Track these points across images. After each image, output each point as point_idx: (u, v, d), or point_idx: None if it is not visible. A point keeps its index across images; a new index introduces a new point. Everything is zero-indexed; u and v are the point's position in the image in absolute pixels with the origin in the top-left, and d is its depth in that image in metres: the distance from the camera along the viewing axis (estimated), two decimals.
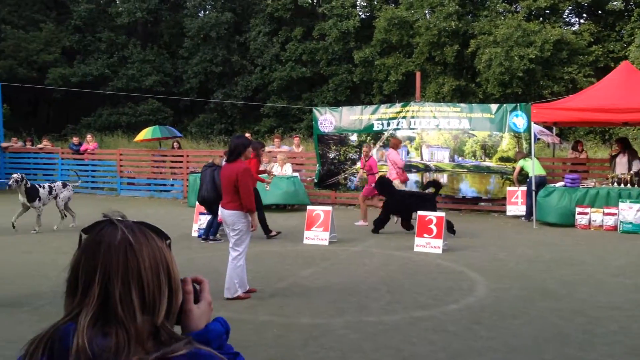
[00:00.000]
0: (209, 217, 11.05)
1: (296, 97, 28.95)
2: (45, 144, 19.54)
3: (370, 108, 15.31)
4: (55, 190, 11.33)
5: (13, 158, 18.96)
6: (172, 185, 17.75)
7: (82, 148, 18.40)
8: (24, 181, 10.74)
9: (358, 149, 14.79)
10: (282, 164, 15.08)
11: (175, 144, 18.73)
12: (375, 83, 27.54)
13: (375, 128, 14.65)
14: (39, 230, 10.84)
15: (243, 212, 6.67)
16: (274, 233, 10.67)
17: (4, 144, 19.00)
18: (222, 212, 6.86)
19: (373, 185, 11.84)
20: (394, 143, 12.79)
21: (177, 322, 1.23)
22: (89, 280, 1.12)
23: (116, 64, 30.28)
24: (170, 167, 18.07)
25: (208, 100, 29.30)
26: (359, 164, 14.69)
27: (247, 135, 17.12)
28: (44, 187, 11.16)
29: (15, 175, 10.73)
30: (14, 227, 10.76)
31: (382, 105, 15.25)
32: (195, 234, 10.88)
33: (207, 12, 30.46)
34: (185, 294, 1.23)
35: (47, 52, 29.41)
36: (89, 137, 19.21)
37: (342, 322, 5.88)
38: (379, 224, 11.21)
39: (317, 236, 10.22)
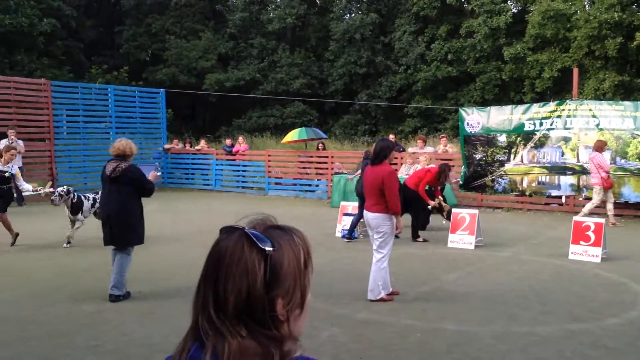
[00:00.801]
0: (352, 217, 11.15)
1: (441, 97, 28.39)
2: (202, 145, 20.91)
3: (521, 107, 14.56)
4: (94, 200, 10.01)
5: (174, 159, 20.51)
6: (317, 185, 18.15)
7: (234, 149, 19.43)
8: (71, 194, 9.68)
9: (507, 150, 14.16)
10: (426, 165, 14.81)
11: (320, 145, 19.15)
12: (526, 80, 26.21)
13: (526, 128, 13.92)
14: (70, 245, 9.74)
15: (388, 215, 6.62)
16: (420, 239, 10.46)
17: (167, 146, 20.62)
18: (366, 215, 6.84)
19: None
20: (598, 145, 12.07)
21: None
22: (202, 281, 1.24)
23: (266, 68, 31.67)
24: (315, 168, 18.50)
25: (352, 101, 29.67)
26: (508, 166, 14.06)
27: (391, 137, 17.10)
28: (88, 199, 10.00)
29: (59, 190, 9.70)
30: (69, 242, 9.78)
31: (535, 104, 14.44)
32: (339, 234, 11.01)
33: (353, 15, 30.85)
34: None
35: (205, 59, 31.50)
36: (240, 138, 20.23)
37: (489, 331, 5.61)
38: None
39: (462, 240, 9.90)
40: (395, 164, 15.57)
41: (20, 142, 15.09)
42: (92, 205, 10.00)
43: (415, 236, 10.51)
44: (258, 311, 1.17)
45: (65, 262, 8.72)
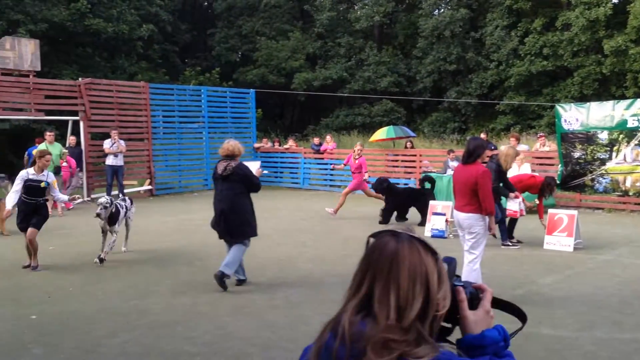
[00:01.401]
0: (442, 217, 10.96)
1: (535, 93, 27.30)
2: (290, 144, 21.25)
3: (624, 103, 13.76)
4: (126, 208, 9.27)
5: (263, 157, 20.96)
6: (406, 184, 17.98)
7: (322, 148, 19.60)
8: (112, 205, 8.65)
9: (608, 148, 13.44)
10: (520, 164, 14.31)
11: (408, 143, 18.96)
12: (629, 74, 24.72)
13: (629, 125, 13.14)
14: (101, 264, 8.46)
15: (481, 215, 6.47)
16: (513, 242, 9.90)
17: (256, 145, 21.11)
18: (457, 215, 6.71)
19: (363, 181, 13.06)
20: None
21: (455, 325, 1.37)
22: (362, 278, 1.33)
23: (353, 67, 31.70)
24: (403, 167, 18.33)
25: (441, 99, 29.15)
26: (610, 164, 13.37)
27: (482, 135, 16.65)
28: (122, 207, 9.07)
29: (104, 201, 8.51)
30: (101, 262, 8.42)
31: (639, 99, 13.62)
32: (428, 233, 10.87)
33: (442, 11, 30.30)
34: (459, 302, 1.35)
35: (294, 59, 31.97)
36: (328, 137, 20.38)
37: (590, 337, 5.35)
38: (383, 218, 12.10)
39: (559, 242, 9.49)
40: (486, 162, 15.14)
41: (122, 142, 15.93)
42: (125, 214, 9.08)
43: (507, 237, 10.00)
44: (430, 312, 1.28)
45: (165, 256, 9.12)
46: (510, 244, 9.74)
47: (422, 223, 11.68)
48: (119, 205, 8.90)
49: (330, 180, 19.59)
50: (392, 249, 1.32)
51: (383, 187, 12.25)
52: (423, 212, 11.98)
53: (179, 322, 5.96)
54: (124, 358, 5.02)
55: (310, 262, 8.74)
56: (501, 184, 9.21)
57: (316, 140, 20.63)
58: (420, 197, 12.12)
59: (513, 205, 9.69)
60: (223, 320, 6.05)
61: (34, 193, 8.11)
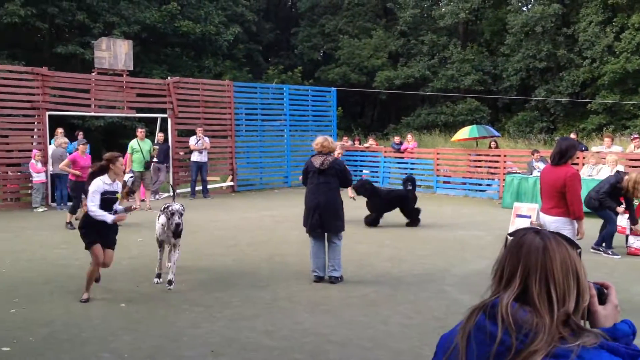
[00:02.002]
0: (527, 219, 10.61)
1: (631, 92, 25.86)
2: (371, 142, 21.18)
3: None
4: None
5: (344, 155, 20.92)
6: (488, 185, 17.54)
7: (402, 147, 19.43)
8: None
9: None
10: (612, 166, 13.63)
11: (492, 143, 18.46)
12: None
13: None
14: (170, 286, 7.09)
15: (569, 219, 6.24)
16: (612, 251, 9.12)
17: (337, 143, 21.17)
18: (544, 218, 6.51)
19: None
20: None
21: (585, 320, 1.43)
22: (512, 273, 1.40)
23: (436, 65, 31.21)
24: (487, 167, 17.87)
25: (529, 97, 28.17)
26: None
27: (573, 135, 15.97)
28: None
29: (179, 208, 7.14)
30: (170, 284, 7.05)
31: None
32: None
33: (532, 6, 29.24)
34: (590, 298, 1.42)
35: (376, 57, 31.87)
36: (409, 136, 20.18)
37: None
38: (371, 222, 11.67)
39: None
40: (577, 164, 14.55)
41: (207, 139, 16.44)
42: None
43: (608, 246, 9.22)
44: (581, 304, 1.37)
45: (246, 251, 9.34)
46: (610, 252, 9.09)
47: (410, 224, 11.71)
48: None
49: None
50: (541, 245, 1.40)
51: (366, 189, 11.89)
52: (408, 213, 11.87)
53: (259, 315, 6.09)
54: (205, 348, 5.18)
55: (388, 261, 8.70)
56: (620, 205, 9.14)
57: (397, 139, 20.48)
58: (404, 199, 11.83)
59: (622, 221, 9.44)
60: (301, 316, 6.12)
61: (109, 206, 6.59)
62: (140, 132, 14.77)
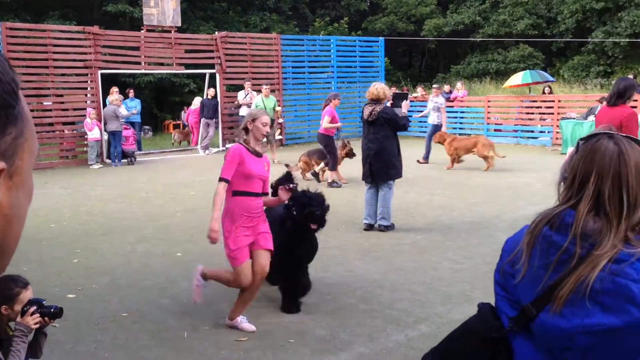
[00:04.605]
0: None
1: None
2: (420, 92, 20.85)
3: None
4: None
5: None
6: (542, 132, 17.09)
7: (452, 96, 19.05)
8: None
9: None
10: None
11: (546, 89, 17.91)
12: None
13: None
14: None
15: None
16: None
17: (406, 103, 20.87)
18: None
19: None
20: None
21: None
22: (585, 179, 1.39)
23: (487, 10, 30.17)
24: (540, 114, 17.39)
25: (585, 40, 27.00)
26: None
27: (630, 76, 15.31)
28: None
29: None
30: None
31: None
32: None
33: None
34: None
35: (424, 5, 31.05)
36: (459, 84, 19.75)
37: None
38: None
39: None
40: (635, 107, 13.97)
41: (255, 94, 16.52)
42: None
43: None
44: None
45: None
46: None
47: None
48: None
49: (460, 128, 19.08)
50: (616, 150, 1.38)
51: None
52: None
53: (311, 264, 6.20)
54: (260, 292, 5.33)
55: (439, 209, 8.68)
56: None
57: (447, 88, 20.08)
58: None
59: None
60: (352, 263, 6.22)
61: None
62: (265, 89, 14.19)
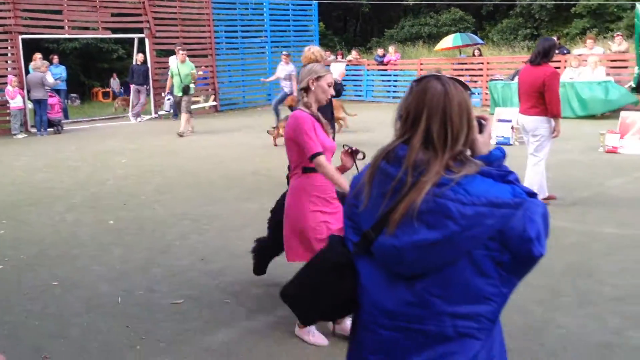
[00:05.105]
0: (508, 123, 10.71)
1: None
2: (354, 56, 20.89)
3: None
4: None
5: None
6: (472, 93, 17.50)
7: (385, 59, 19.21)
8: None
9: None
10: (594, 68, 13.63)
11: (476, 51, 18.30)
12: None
13: None
14: None
15: (546, 117, 6.32)
16: None
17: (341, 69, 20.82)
18: (522, 119, 6.58)
19: None
20: None
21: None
22: (417, 117, 1.54)
23: None
24: (470, 75, 17.79)
25: (513, 2, 27.60)
26: None
27: (555, 38, 15.83)
28: None
29: None
30: None
31: None
32: (493, 140, 10.68)
33: None
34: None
35: None
36: (391, 48, 19.91)
37: None
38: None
39: (631, 144, 9.14)
40: (559, 67, 14.52)
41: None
42: None
43: None
44: (470, 137, 1.55)
45: (232, 166, 9.42)
46: None
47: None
48: None
49: (394, 92, 19.32)
50: (442, 90, 1.54)
51: None
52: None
53: (247, 225, 6.22)
54: (195, 257, 5.34)
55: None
56: None
57: (380, 51, 20.20)
58: None
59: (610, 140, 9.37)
60: None
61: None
62: (182, 54, 13.31)
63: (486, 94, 16.11)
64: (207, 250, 5.52)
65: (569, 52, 15.81)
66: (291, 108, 12.67)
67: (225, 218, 6.55)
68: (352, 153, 3.48)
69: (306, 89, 3.65)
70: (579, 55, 14.72)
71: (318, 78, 3.63)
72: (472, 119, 1.58)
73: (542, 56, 6.33)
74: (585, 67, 13.78)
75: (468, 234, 1.44)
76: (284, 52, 13.77)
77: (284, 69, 13.21)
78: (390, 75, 19.21)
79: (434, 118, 1.52)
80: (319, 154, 3.47)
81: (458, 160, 1.52)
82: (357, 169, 3.41)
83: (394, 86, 19.34)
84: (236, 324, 4.01)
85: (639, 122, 9.17)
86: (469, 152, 1.59)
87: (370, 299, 1.60)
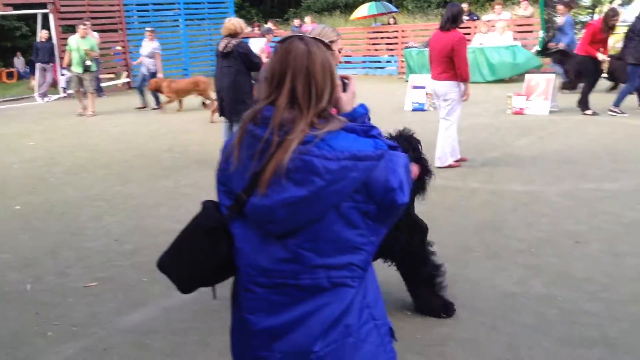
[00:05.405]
0: (422, 90, 10.94)
1: None
2: (270, 27, 20.62)
3: None
4: None
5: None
6: (388, 61, 17.75)
7: (302, 30, 19.11)
8: None
9: (591, 10, 13.17)
10: (502, 32, 14.09)
11: (390, 19, 18.50)
12: None
13: None
14: None
15: (456, 82, 6.49)
16: (590, 112, 9.28)
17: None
18: (434, 84, 6.73)
19: None
20: None
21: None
22: (282, 77, 1.57)
23: None
24: (386, 44, 18.00)
25: None
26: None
27: (465, 5, 16.22)
28: None
29: None
30: None
31: None
32: (408, 107, 10.91)
33: None
34: (335, 87, 1.64)
35: None
36: (307, 19, 19.81)
37: (557, 190, 5.56)
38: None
39: (536, 105, 9.57)
40: (468, 33, 14.93)
41: (95, 34, 15.42)
42: None
43: (584, 106, 9.38)
44: (334, 95, 1.59)
45: (146, 145, 9.17)
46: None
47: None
48: None
49: None
50: (305, 50, 1.57)
51: None
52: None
53: (163, 203, 6.10)
54: (108, 238, 5.19)
55: None
56: None
57: (297, 22, 20.07)
58: None
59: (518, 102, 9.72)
60: (206, 198, 6.18)
61: None
62: (82, 29, 12.56)
63: (402, 61, 16.36)
64: (121, 230, 5.38)
65: (478, 18, 16.25)
66: (155, 93, 12.37)
67: (140, 197, 6.39)
68: None
69: None
70: (488, 21, 15.17)
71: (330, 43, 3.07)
72: (335, 77, 1.61)
73: (451, 22, 6.48)
74: (493, 32, 14.22)
75: (334, 188, 1.49)
76: (147, 29, 13.31)
77: (148, 45, 12.82)
78: None
79: (298, 77, 1.55)
80: None
81: (322, 118, 1.55)
82: None
83: None
84: (152, 303, 3.95)
85: (543, 84, 9.59)
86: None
87: (246, 260, 1.62)
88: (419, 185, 3.44)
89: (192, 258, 1.70)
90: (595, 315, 3.43)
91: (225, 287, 1.80)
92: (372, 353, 1.61)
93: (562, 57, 11.84)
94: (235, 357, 1.76)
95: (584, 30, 12.84)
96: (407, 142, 3.42)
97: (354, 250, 1.56)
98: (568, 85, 11.39)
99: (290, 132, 1.51)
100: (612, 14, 9.01)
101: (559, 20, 12.80)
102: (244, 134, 1.60)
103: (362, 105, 1.68)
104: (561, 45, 12.03)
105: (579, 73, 10.17)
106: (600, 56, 9.12)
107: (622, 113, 8.98)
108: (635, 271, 3.97)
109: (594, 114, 9.11)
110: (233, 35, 7.18)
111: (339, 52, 3.47)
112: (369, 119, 1.70)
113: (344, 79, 1.70)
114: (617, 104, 9.06)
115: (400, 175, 1.52)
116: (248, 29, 20.82)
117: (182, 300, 3.96)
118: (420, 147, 3.45)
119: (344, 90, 1.69)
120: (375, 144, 1.54)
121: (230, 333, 1.78)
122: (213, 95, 11.79)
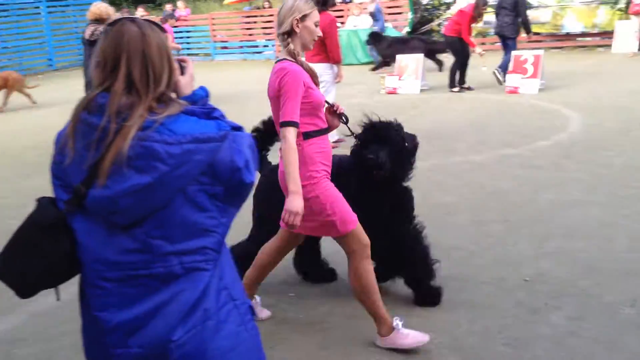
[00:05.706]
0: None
1: None
2: (141, 13, 19.86)
3: None
4: None
5: None
6: (265, 46, 17.69)
7: (175, 15, 18.55)
8: None
9: None
10: (358, 14, 14.46)
11: (265, 3, 18.42)
12: None
13: None
14: None
15: (329, 64, 6.60)
16: (456, 89, 9.68)
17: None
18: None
19: None
20: None
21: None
22: (116, 62, 1.51)
23: None
24: (262, 28, 17.92)
25: None
26: (454, 8, 13.86)
27: None
28: None
29: None
30: None
31: None
32: None
33: None
34: (172, 71, 1.61)
35: None
36: (179, 3, 19.29)
37: (427, 165, 5.81)
38: None
39: (408, 85, 9.95)
40: (342, 16, 15.21)
41: None
42: None
43: (452, 84, 9.75)
44: (172, 79, 1.57)
45: (12, 143, 8.56)
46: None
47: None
48: None
49: (187, 48, 18.83)
50: (139, 32, 1.52)
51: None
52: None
53: (27, 204, 5.68)
54: None
55: None
56: None
57: (169, 7, 19.43)
58: None
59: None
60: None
61: None
62: None
63: (279, 45, 16.35)
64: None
65: (351, 1, 16.58)
66: None
67: (3, 197, 5.97)
68: (338, 113, 3.05)
69: (289, 33, 2.89)
70: (360, 3, 15.51)
71: (303, 17, 2.86)
72: (173, 60, 1.58)
73: (322, 4, 6.55)
74: (366, 14, 14.57)
75: (178, 172, 1.46)
76: None
77: None
78: (182, 31, 18.64)
79: (134, 62, 1.50)
80: (293, 124, 2.75)
81: (162, 102, 1.52)
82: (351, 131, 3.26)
83: (187, 43, 18.83)
84: (19, 310, 3.71)
85: (413, 64, 9.98)
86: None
87: (91, 255, 1.54)
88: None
89: (30, 259, 1.58)
90: (463, 280, 3.65)
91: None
92: (234, 332, 1.60)
93: (373, 40, 12.47)
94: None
95: (451, 14, 13.53)
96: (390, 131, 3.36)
97: (205, 233, 1.54)
98: (379, 66, 12.27)
99: (128, 118, 1.46)
100: (483, 3, 9.51)
101: (370, 7, 13.59)
102: (77, 124, 1.52)
103: (202, 88, 1.65)
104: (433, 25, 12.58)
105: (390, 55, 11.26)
106: (478, 49, 9.57)
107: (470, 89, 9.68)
108: (497, 237, 4.26)
109: (460, 90, 9.64)
110: (100, 21, 6.96)
111: (315, 25, 2.91)
112: (210, 102, 1.67)
113: (181, 62, 1.67)
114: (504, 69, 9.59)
115: (246, 154, 1.52)
116: (117, 15, 19.92)
117: (51, 305, 3.75)
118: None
119: (182, 73, 1.65)
120: (217, 126, 1.52)
121: (82, 335, 1.68)
122: (27, 91, 11.23)
